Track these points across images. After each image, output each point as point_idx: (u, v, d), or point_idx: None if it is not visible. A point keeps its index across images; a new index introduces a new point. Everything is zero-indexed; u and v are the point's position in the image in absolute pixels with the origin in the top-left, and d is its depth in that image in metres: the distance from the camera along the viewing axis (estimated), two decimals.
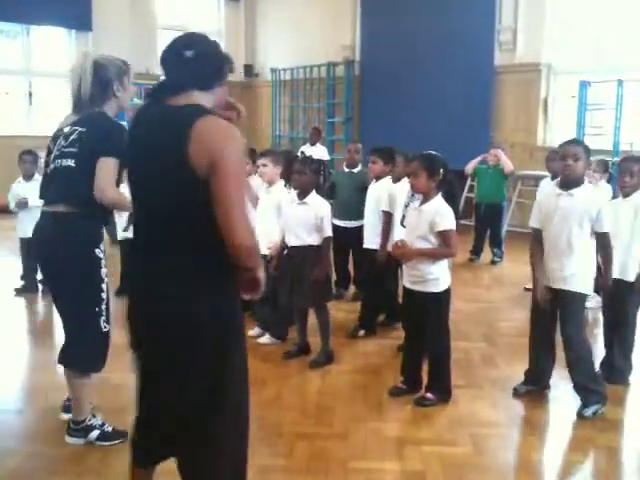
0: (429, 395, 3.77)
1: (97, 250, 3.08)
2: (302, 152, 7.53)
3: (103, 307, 3.09)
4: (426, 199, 3.73)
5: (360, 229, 5.69)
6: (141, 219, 2.24)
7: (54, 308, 3.21)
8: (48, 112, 11.63)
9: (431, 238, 3.66)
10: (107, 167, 2.93)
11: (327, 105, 12.26)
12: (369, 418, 3.58)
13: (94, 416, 3.26)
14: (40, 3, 10.52)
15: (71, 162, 3.01)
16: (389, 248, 4.59)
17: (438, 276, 3.70)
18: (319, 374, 4.19)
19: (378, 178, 5.10)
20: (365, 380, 4.10)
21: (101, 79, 3.07)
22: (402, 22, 10.80)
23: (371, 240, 5.00)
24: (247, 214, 2.06)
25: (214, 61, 2.21)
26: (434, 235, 3.65)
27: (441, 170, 3.69)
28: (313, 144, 9.88)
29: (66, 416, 3.37)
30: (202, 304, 2.11)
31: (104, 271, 3.10)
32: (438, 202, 3.70)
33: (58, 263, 3.05)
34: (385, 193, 4.91)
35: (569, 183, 3.65)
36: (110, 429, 3.24)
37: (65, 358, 3.16)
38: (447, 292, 3.76)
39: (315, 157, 4.80)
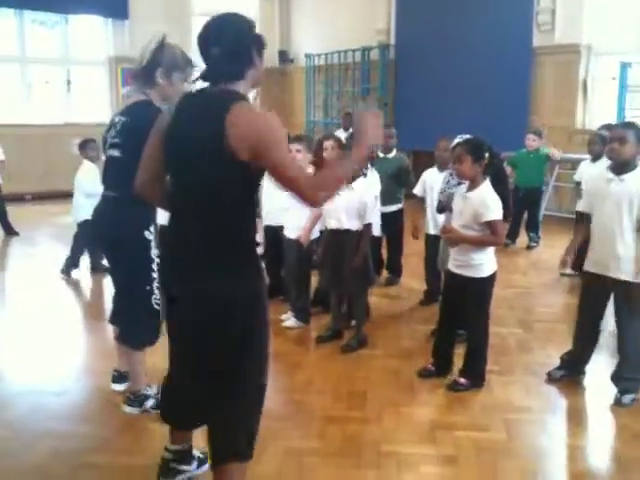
0: (462, 380, 3.75)
1: (147, 232, 3.23)
2: None
3: (154, 286, 3.24)
4: (473, 185, 3.65)
5: (395, 214, 5.69)
6: (178, 201, 2.33)
7: (102, 289, 3.41)
8: (86, 100, 11.82)
9: (475, 226, 3.61)
10: None
11: (362, 90, 12.17)
12: (401, 402, 3.58)
13: (149, 386, 3.45)
14: None
15: (117, 152, 3.18)
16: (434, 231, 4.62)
17: (483, 261, 3.66)
18: (352, 358, 4.20)
19: None
20: (397, 364, 4.10)
21: (152, 60, 3.15)
22: (437, 5, 10.65)
23: None
24: (303, 171, 2.26)
25: (241, 55, 2.27)
26: (478, 225, 3.60)
27: (486, 154, 3.62)
28: (346, 129, 9.84)
29: (117, 387, 3.63)
30: (232, 286, 2.23)
31: (154, 252, 3.24)
32: (485, 190, 3.62)
33: (112, 244, 3.29)
34: None
35: (619, 168, 3.55)
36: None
37: (121, 334, 3.40)
38: (491, 278, 3.72)
39: None
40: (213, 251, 2.23)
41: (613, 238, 3.54)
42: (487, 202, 3.58)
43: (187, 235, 2.27)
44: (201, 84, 2.32)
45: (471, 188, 3.66)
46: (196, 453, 2.78)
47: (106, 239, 3.34)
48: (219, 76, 2.25)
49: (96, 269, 6.17)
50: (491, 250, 3.71)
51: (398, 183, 5.68)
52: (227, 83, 2.24)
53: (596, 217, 3.67)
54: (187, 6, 12.33)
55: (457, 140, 4.54)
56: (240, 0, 13.47)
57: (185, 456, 2.73)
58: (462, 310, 3.79)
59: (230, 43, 2.24)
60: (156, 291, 3.24)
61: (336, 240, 4.32)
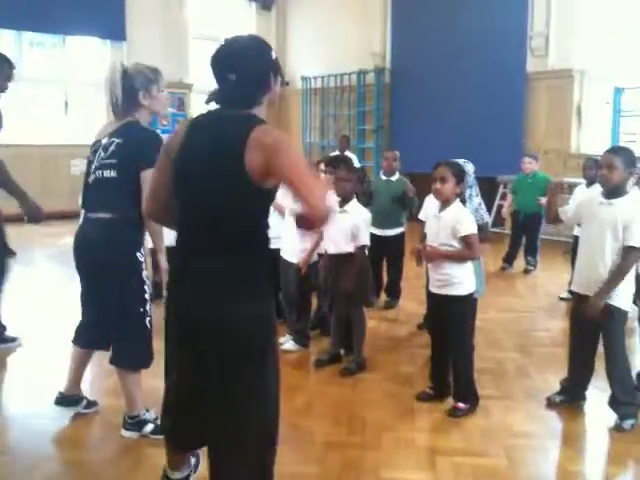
0: (460, 405, 3.74)
1: (138, 254, 3.23)
2: None
3: (147, 307, 3.27)
4: (445, 205, 3.74)
5: (397, 237, 5.70)
6: (188, 223, 2.27)
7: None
8: (83, 121, 11.84)
9: (454, 244, 3.68)
10: (149, 180, 2.99)
11: (357, 113, 12.27)
12: (401, 427, 3.56)
13: (147, 410, 3.41)
14: (76, 14, 10.72)
15: (113, 173, 3.15)
16: None
17: (461, 280, 3.70)
18: (351, 382, 4.18)
19: None
20: (397, 389, 4.08)
21: (129, 89, 3.19)
22: (433, 29, 10.79)
23: None
24: (316, 182, 2.17)
25: (259, 82, 2.25)
26: (457, 241, 3.67)
27: (465, 179, 3.76)
28: (342, 152, 9.90)
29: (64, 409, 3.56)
30: (247, 309, 2.19)
31: (145, 273, 3.26)
32: (457, 208, 3.73)
33: (103, 266, 3.20)
34: None
35: (609, 193, 3.59)
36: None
37: (116, 358, 3.34)
38: (470, 296, 3.76)
39: None
40: (230, 274, 2.19)
41: (596, 261, 3.57)
42: (461, 218, 3.68)
43: (202, 258, 2.21)
44: (212, 105, 2.28)
45: (443, 208, 3.75)
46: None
47: (97, 262, 3.23)
48: (235, 102, 2.23)
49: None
50: (469, 268, 3.74)
51: (401, 206, 5.71)
52: (243, 108, 2.22)
53: (583, 239, 3.72)
54: (184, 29, 12.44)
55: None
56: (237, 23, 13.64)
57: None
58: (446, 331, 3.81)
59: (249, 70, 2.21)
60: (149, 312, 3.27)
61: (335, 264, 4.32)
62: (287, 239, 4.70)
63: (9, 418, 3.66)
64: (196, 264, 2.23)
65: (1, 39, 10.99)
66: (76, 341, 3.53)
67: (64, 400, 3.57)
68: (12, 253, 7.92)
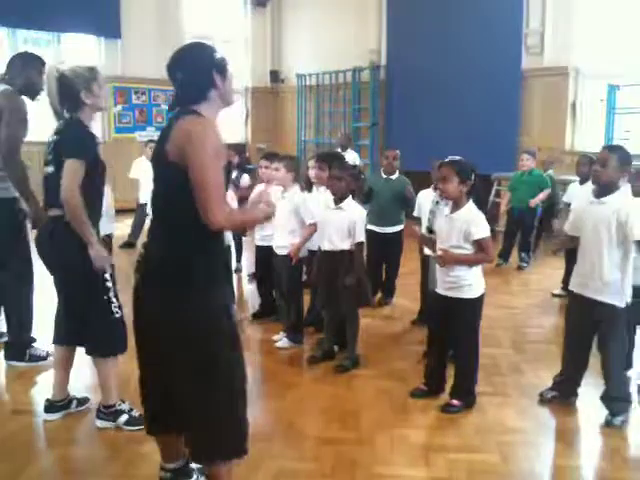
0: (455, 402, 3.75)
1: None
2: None
3: (111, 295, 3.33)
4: (457, 206, 3.69)
5: (395, 235, 5.73)
6: (153, 218, 2.51)
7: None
8: None
9: (467, 246, 3.64)
10: (68, 169, 3.16)
11: (353, 110, 12.27)
12: (395, 424, 3.58)
13: (123, 401, 3.45)
14: (70, 12, 10.68)
15: (51, 169, 3.32)
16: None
17: (472, 282, 3.68)
18: (345, 379, 4.20)
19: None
20: (390, 385, 4.10)
21: (68, 92, 3.31)
22: (428, 27, 10.78)
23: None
24: (220, 187, 2.28)
25: (200, 76, 2.42)
26: (470, 243, 3.63)
27: (472, 176, 3.66)
28: (344, 150, 9.86)
29: (49, 416, 3.56)
30: (194, 299, 2.36)
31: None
32: (471, 209, 3.67)
33: (60, 262, 3.32)
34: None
35: (600, 190, 3.61)
36: (137, 414, 3.37)
37: (87, 348, 3.44)
38: (481, 298, 3.75)
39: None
40: (171, 261, 2.36)
41: (592, 260, 3.59)
42: (475, 221, 3.62)
43: (151, 245, 2.46)
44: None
45: (455, 209, 3.69)
46: (195, 465, 2.76)
47: (52, 260, 3.37)
48: (184, 98, 2.42)
49: None
50: (479, 271, 3.74)
51: (400, 204, 5.72)
52: (192, 104, 2.39)
53: (580, 240, 3.72)
54: (180, 27, 12.41)
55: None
56: (232, 21, 13.63)
57: (183, 472, 2.72)
58: (452, 331, 3.80)
59: (191, 66, 2.43)
60: (114, 299, 3.34)
61: (330, 261, 4.33)
62: (278, 233, 4.74)
63: (3, 416, 3.65)
64: (147, 251, 2.47)
65: None
66: (55, 339, 3.57)
67: (53, 407, 3.57)
68: None
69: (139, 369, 2.59)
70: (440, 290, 3.80)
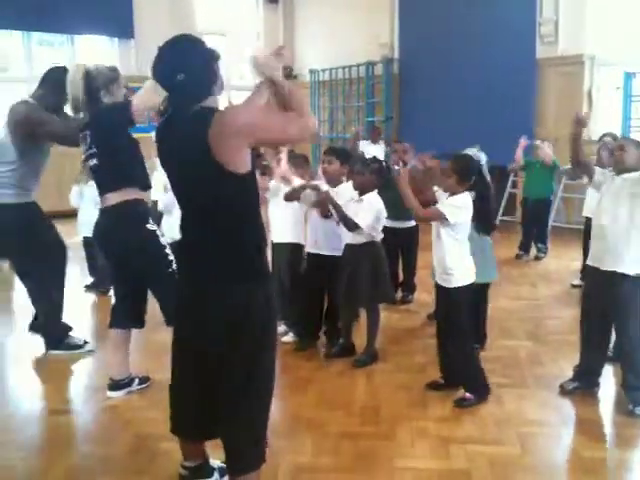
0: (467, 395, 3.73)
1: (148, 225, 3.61)
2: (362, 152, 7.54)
3: (174, 267, 3.50)
4: (452, 195, 3.71)
5: (411, 230, 5.70)
6: (186, 218, 2.46)
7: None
8: None
9: (448, 229, 3.64)
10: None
11: (367, 104, 12.23)
12: (414, 417, 3.58)
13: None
14: (83, 13, 10.73)
15: (96, 161, 3.55)
16: None
17: (453, 272, 3.66)
18: (363, 373, 4.20)
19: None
20: (409, 379, 4.09)
21: (90, 88, 3.55)
22: (441, 18, 10.71)
23: None
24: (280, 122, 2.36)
25: (205, 73, 2.37)
26: (445, 229, 3.65)
27: (472, 177, 3.68)
28: (374, 143, 9.84)
29: (112, 394, 3.82)
30: (241, 292, 2.33)
31: (163, 239, 3.67)
32: (462, 196, 3.67)
33: (121, 246, 3.57)
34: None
35: (621, 171, 3.64)
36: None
37: (170, 318, 3.44)
38: (465, 289, 3.69)
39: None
40: (218, 257, 2.34)
41: (609, 232, 3.59)
42: (453, 201, 3.64)
43: (196, 246, 2.41)
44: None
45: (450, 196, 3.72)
46: (216, 463, 2.77)
47: (120, 244, 3.60)
48: (190, 100, 2.32)
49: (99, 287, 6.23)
50: (465, 259, 3.70)
51: None
52: (195, 103, 2.32)
53: (596, 211, 3.73)
54: (192, 25, 12.42)
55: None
56: (244, 17, 13.64)
57: (202, 470, 2.73)
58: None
59: (194, 67, 2.33)
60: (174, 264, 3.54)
61: (351, 254, 4.33)
62: (276, 221, 4.70)
63: (26, 415, 3.70)
64: (196, 253, 2.43)
65: (10, 40, 11.06)
66: (112, 324, 3.79)
67: (116, 385, 3.79)
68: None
69: (173, 372, 2.57)
70: (437, 279, 3.82)
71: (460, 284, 3.68)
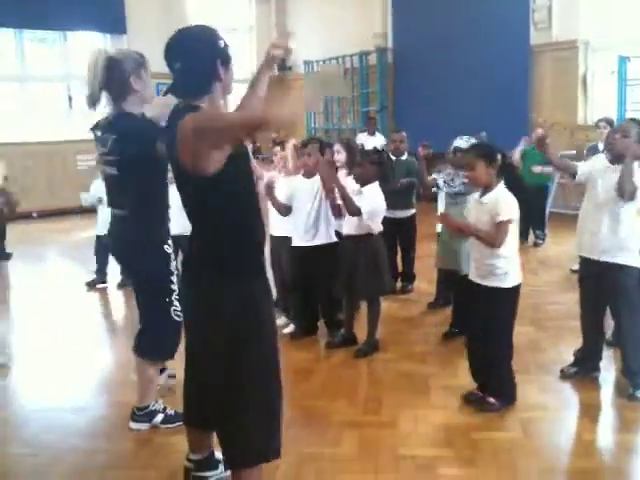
0: (491, 400, 3.51)
1: (165, 246, 3.22)
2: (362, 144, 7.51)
3: (173, 298, 3.20)
4: (487, 190, 3.44)
5: (408, 219, 5.70)
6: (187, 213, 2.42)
7: (120, 305, 3.44)
8: (88, 115, 11.83)
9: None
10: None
11: (361, 95, 12.20)
12: (416, 405, 3.59)
13: (156, 401, 3.39)
14: (75, 10, 10.66)
15: (114, 170, 3.12)
16: None
17: (506, 270, 3.40)
18: (365, 363, 4.21)
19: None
20: (410, 368, 4.10)
21: (116, 76, 3.03)
22: (434, 6, 10.69)
23: None
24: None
25: (203, 69, 2.24)
26: (494, 228, 3.36)
27: (498, 156, 3.43)
28: (371, 134, 9.78)
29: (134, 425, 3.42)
30: (227, 289, 2.29)
31: (173, 265, 3.24)
32: (500, 192, 3.41)
33: (129, 261, 3.35)
34: None
35: (615, 159, 3.60)
36: (172, 412, 3.36)
37: (139, 347, 3.32)
38: (515, 289, 3.47)
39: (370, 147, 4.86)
40: (208, 252, 2.32)
41: (599, 222, 3.59)
42: (501, 203, 3.36)
43: (191, 242, 2.39)
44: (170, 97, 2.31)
45: (485, 193, 3.45)
46: (221, 456, 2.74)
47: (123, 258, 3.39)
48: (185, 91, 2.26)
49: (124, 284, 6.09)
50: (514, 259, 3.47)
51: (410, 186, 5.69)
52: (194, 98, 2.24)
53: (589, 196, 3.71)
54: (185, 20, 12.35)
55: (457, 142, 4.54)
56: (236, 10, 13.58)
57: (208, 463, 2.74)
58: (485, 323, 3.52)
59: (192, 57, 2.22)
60: (176, 303, 3.20)
61: (350, 246, 4.33)
62: (274, 216, 4.69)
63: (33, 411, 3.71)
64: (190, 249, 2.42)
65: (2, 37, 11.00)
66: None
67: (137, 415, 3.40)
68: (6, 257, 7.62)
69: (186, 363, 2.56)
70: (473, 277, 3.54)
71: (516, 283, 3.47)
